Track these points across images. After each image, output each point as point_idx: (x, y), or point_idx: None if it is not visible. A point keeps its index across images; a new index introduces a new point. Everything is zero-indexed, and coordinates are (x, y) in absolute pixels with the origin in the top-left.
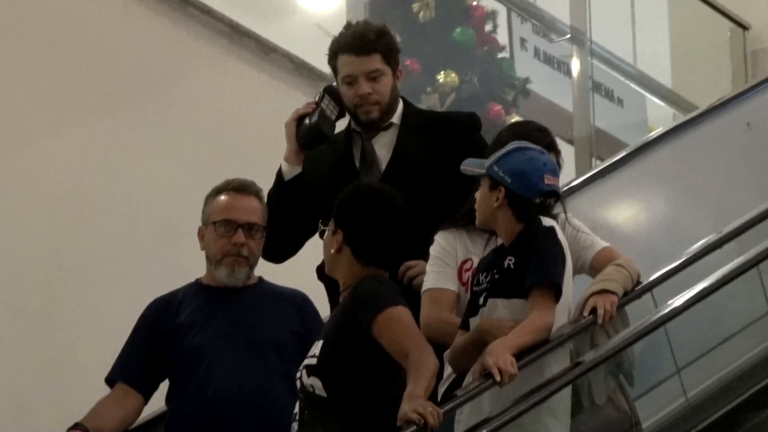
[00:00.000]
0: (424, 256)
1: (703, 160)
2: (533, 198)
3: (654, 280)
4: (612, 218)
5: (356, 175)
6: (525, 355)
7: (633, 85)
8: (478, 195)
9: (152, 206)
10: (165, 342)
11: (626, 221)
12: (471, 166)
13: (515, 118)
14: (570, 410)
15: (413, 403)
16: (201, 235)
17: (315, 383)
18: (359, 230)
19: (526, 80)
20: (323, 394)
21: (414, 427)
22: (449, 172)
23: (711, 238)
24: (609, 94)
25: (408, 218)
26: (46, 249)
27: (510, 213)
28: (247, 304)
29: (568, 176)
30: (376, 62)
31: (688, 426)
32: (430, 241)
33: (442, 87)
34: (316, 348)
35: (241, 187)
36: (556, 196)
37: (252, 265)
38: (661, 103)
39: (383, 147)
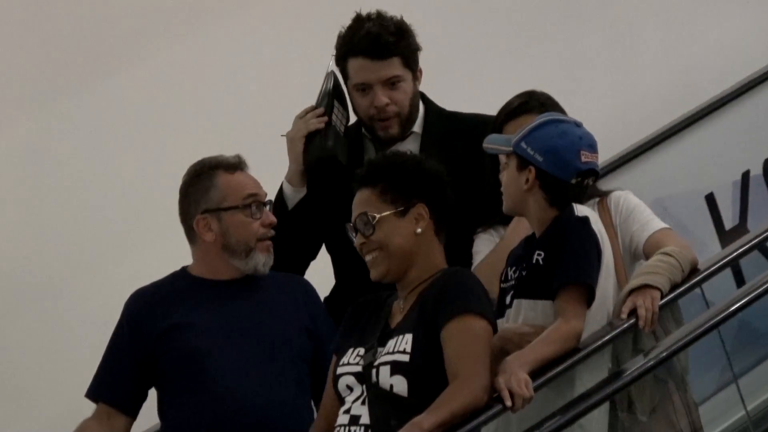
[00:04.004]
0: None
1: None
2: (568, 178)
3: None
4: None
5: None
6: (552, 367)
7: None
8: (504, 176)
9: None
10: (156, 345)
11: None
12: (495, 143)
13: None
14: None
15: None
16: (205, 226)
17: (397, 382)
18: (443, 203)
19: None
20: (403, 394)
21: None
22: (479, 186)
23: None
24: None
25: None
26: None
27: (541, 197)
28: (254, 297)
29: None
30: (394, 67)
31: None
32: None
33: None
34: (402, 342)
35: (243, 163)
36: (594, 175)
37: None
38: None
39: None
